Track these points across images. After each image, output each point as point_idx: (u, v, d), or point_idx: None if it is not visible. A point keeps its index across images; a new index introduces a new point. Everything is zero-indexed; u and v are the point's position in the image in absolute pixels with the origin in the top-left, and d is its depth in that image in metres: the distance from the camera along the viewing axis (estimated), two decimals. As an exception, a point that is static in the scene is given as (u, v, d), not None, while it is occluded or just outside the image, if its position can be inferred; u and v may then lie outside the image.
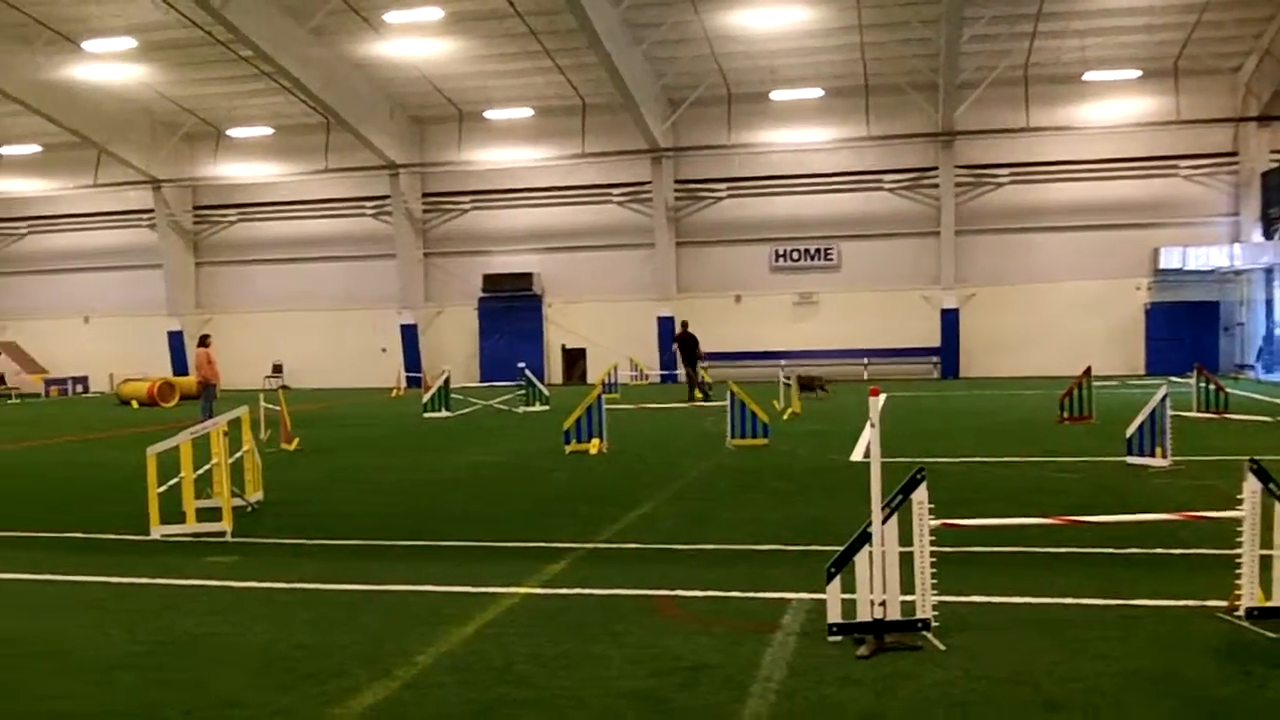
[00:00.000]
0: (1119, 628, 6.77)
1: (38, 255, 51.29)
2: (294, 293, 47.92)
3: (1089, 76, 39.62)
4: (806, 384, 28.57)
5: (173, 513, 10.87)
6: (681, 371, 33.77)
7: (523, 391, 29.24)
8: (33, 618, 7.72)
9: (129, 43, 36.58)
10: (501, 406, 29.68)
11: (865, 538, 6.43)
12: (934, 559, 6.52)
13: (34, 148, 47.35)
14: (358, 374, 46.42)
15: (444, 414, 27.07)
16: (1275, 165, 38.36)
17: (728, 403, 18.28)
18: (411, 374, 43.41)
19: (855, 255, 42.75)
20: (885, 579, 6.45)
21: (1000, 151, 41.30)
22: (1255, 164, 39.11)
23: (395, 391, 40.30)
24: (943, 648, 6.36)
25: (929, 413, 24.85)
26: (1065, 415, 21.23)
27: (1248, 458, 6.75)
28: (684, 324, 31.66)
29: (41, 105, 39.61)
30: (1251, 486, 6.58)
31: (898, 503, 6.42)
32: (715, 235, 43.86)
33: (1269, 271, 38.37)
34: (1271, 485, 6.57)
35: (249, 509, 12.05)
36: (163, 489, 10.91)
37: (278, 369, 47.73)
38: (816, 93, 41.17)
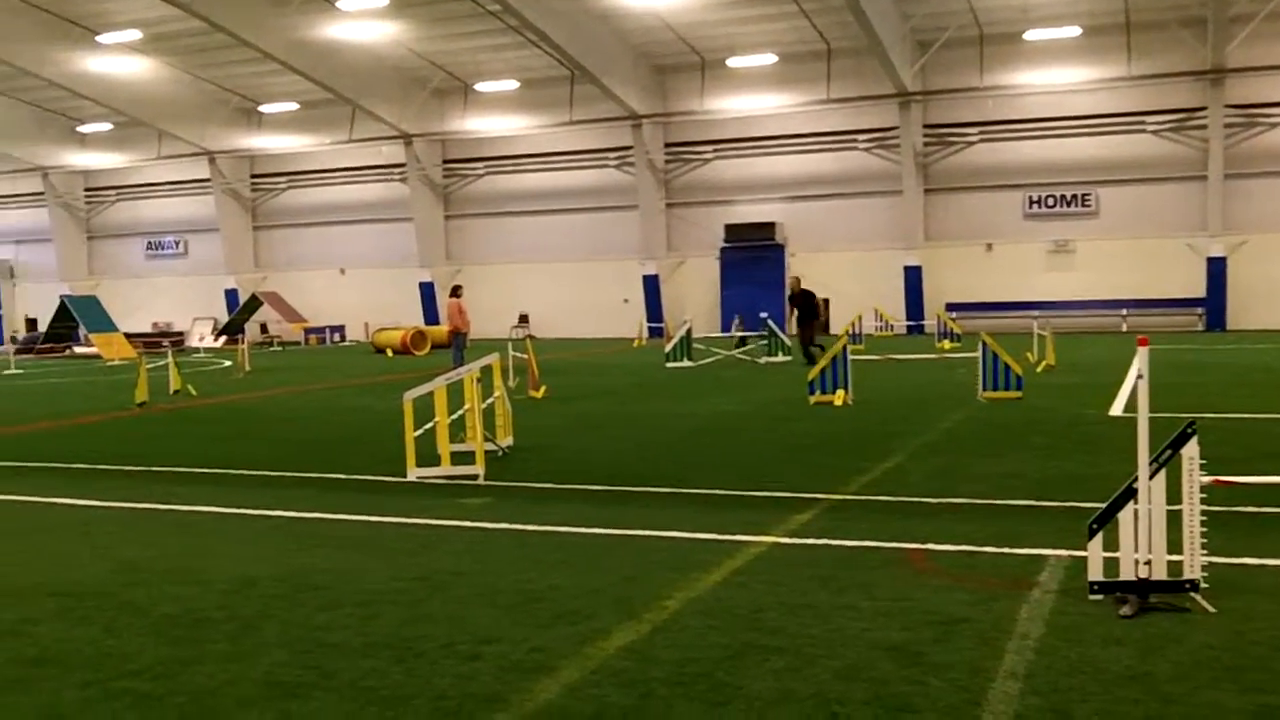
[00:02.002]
0: None
1: (297, 209, 53.94)
2: (539, 244, 48.99)
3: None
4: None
5: (428, 456, 11.26)
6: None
7: (764, 341, 29.18)
8: (300, 554, 8.11)
9: (382, 0, 37.82)
10: (743, 357, 29.70)
11: (1130, 493, 6.15)
12: (1204, 518, 6.19)
13: (292, 105, 49.61)
14: (600, 324, 47.21)
15: (686, 363, 27.26)
16: None
17: (979, 354, 17.80)
18: (653, 324, 43.87)
19: (1114, 201, 40.95)
20: (1151, 537, 6.17)
21: (1275, 89, 38.76)
22: None
23: (637, 342, 40.81)
24: (1212, 610, 6.04)
25: (1194, 366, 23.67)
26: (1345, 370, 19.94)
27: None
28: (797, 280, 28.33)
29: (299, 64, 41.43)
30: None
31: (1166, 458, 6.11)
32: (965, 181, 42.72)
33: None
34: None
35: (500, 453, 12.39)
36: (418, 433, 11.30)
37: (524, 319, 48.95)
38: (1074, 31, 39.39)
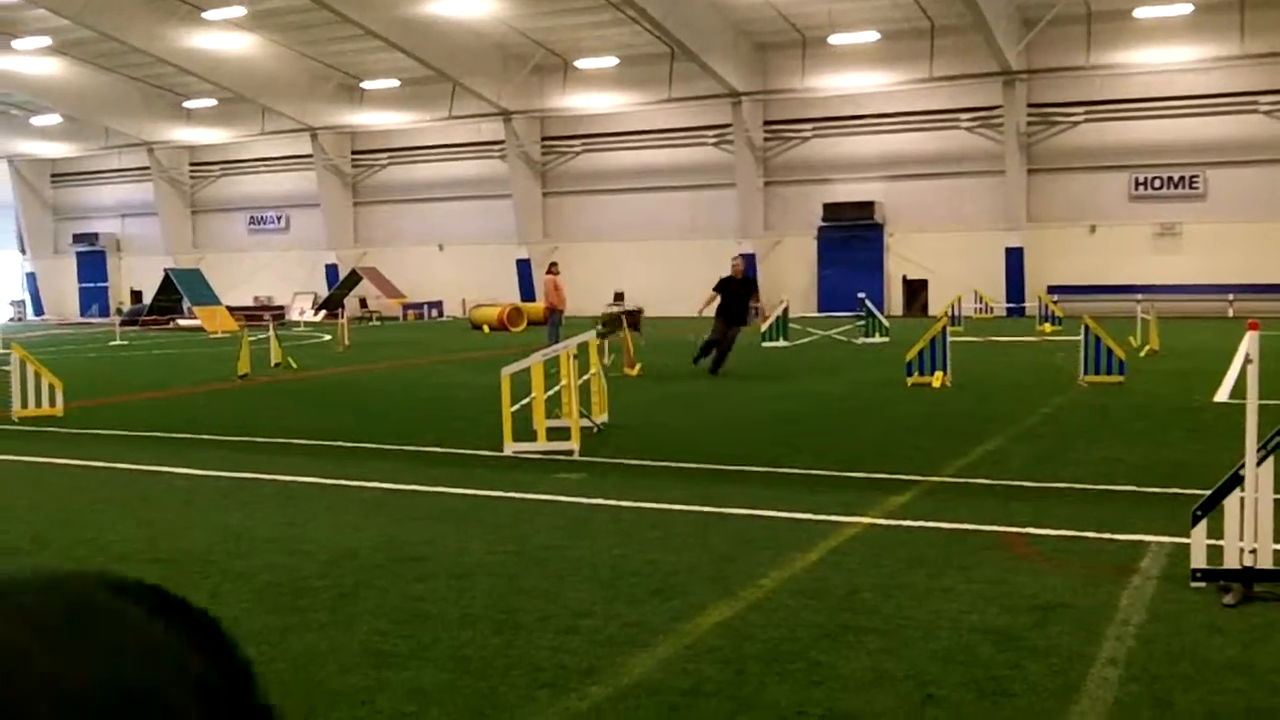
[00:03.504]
0: None
1: (397, 186, 54.50)
2: (636, 222, 49.00)
3: None
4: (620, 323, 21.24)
5: (524, 431, 11.38)
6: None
7: (862, 322, 28.94)
8: (398, 525, 8.26)
9: (483, -23, 38.03)
10: (840, 337, 29.52)
11: (1236, 480, 6.04)
12: (1315, 507, 6.07)
13: (393, 82, 50.06)
14: (696, 303, 46.99)
15: (782, 343, 27.18)
16: None
17: (1080, 337, 17.51)
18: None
19: (1223, 183, 39.90)
20: (1257, 525, 6.05)
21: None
22: None
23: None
24: (1321, 602, 5.93)
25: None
26: None
27: None
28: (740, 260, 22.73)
29: (400, 41, 41.74)
30: None
31: (1275, 445, 5.99)
32: (1069, 162, 41.89)
33: None
34: None
35: (595, 429, 12.47)
36: (515, 408, 11.42)
37: (620, 296, 49.06)
38: (1185, 8, 38.30)
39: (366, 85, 50.94)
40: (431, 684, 4.98)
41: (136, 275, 60.02)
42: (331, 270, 53.83)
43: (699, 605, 6.02)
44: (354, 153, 55.34)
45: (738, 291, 20.39)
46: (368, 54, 46.10)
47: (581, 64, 47.33)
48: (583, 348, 12.36)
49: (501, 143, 50.07)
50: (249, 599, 6.38)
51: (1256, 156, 39.22)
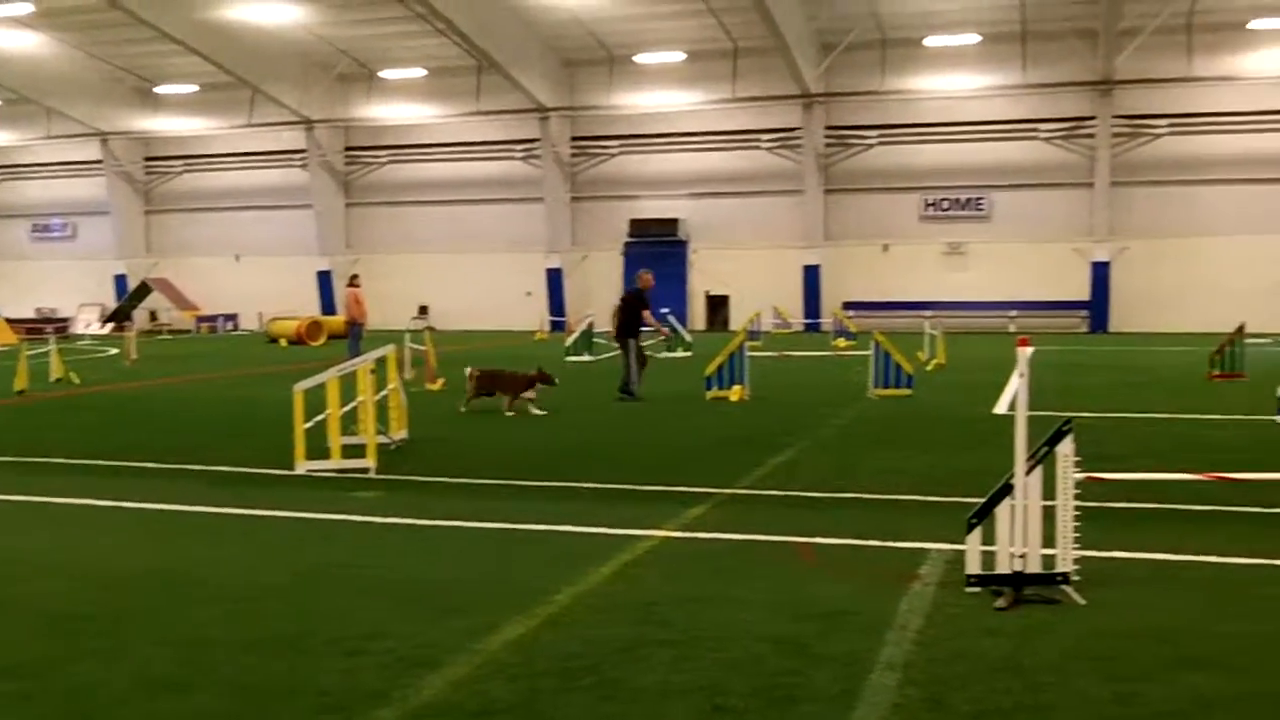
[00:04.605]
0: (1272, 587, 6.61)
1: (192, 194, 52.90)
2: (441, 235, 48.62)
3: (1255, 24, 37.83)
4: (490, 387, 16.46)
5: (318, 449, 11.16)
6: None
7: (665, 338, 29.20)
8: (183, 548, 8.03)
9: (286, -18, 37.24)
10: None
11: (1007, 489, 6.35)
12: (1077, 512, 6.41)
13: (191, 87, 48.64)
14: (503, 317, 46.98)
15: (587, 358, 27.28)
16: None
17: (871, 352, 18.11)
18: (555, 318, 43.84)
19: (1007, 205, 41.81)
20: (1026, 531, 6.37)
21: (1160, 101, 39.86)
22: None
23: (539, 335, 40.73)
24: (1083, 602, 6.28)
25: (1076, 367, 24.26)
26: (1216, 372, 20.54)
27: None
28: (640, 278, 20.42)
29: (198, 45, 40.50)
30: None
31: (1042, 455, 6.32)
32: (864, 183, 43.27)
33: None
34: None
35: (393, 446, 12.32)
36: (309, 425, 11.16)
37: (424, 310, 48.59)
38: (973, 38, 40.12)
39: (162, 89, 49.34)
40: (211, 712, 4.85)
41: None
42: (121, 281, 51.90)
43: (492, 623, 6.01)
44: (147, 159, 53.45)
45: (630, 305, 19.40)
46: (164, 57, 44.61)
47: (387, 74, 46.80)
48: (381, 362, 12.19)
49: (303, 151, 49.09)
50: (18, 628, 6.12)
51: (1037, 180, 41.27)
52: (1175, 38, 38.55)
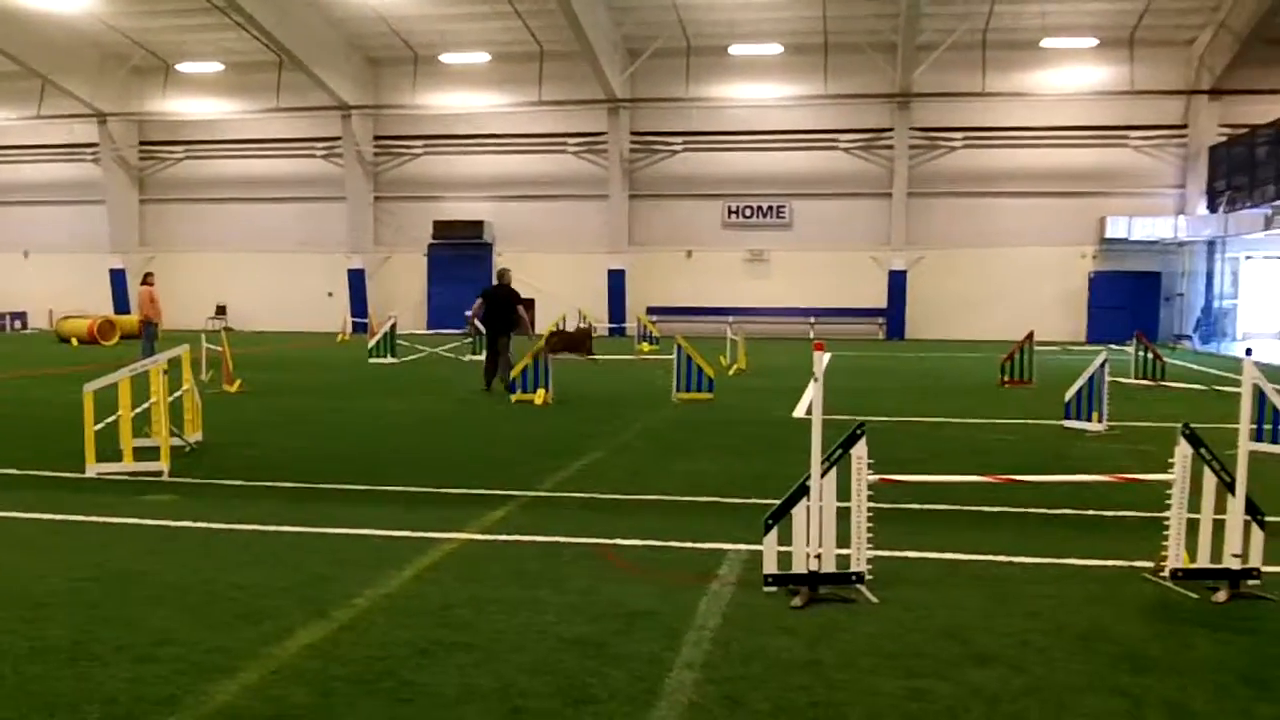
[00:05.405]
0: (1051, 585, 6.90)
1: (-23, 188, 50.39)
2: (241, 233, 47.39)
3: (1047, 43, 39.74)
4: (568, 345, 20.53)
5: (110, 451, 10.78)
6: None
7: (470, 340, 29.12)
8: (-35, 551, 7.64)
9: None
10: (448, 355, 29.57)
11: (803, 491, 6.49)
12: (870, 514, 6.60)
13: (-26, 77, 46.40)
14: (303, 318, 46.06)
15: (389, 360, 26.94)
16: (1223, 139, 38.67)
17: (674, 357, 18.34)
18: (358, 319, 43.14)
19: (807, 214, 42.83)
20: (821, 532, 6.53)
21: (956, 115, 41.43)
22: (1204, 137, 39.49)
23: (340, 337, 40.04)
24: (876, 600, 6.46)
25: (873, 372, 25.00)
26: (1006, 379, 21.44)
27: (1180, 424, 6.85)
28: (501, 273, 20.68)
29: (-18, 32, 38.74)
30: (1183, 451, 6.69)
31: (837, 457, 6.48)
32: (669, 189, 43.76)
33: (1210, 244, 38.85)
34: (1202, 450, 6.68)
35: (187, 449, 11.97)
36: (99, 427, 10.79)
37: (221, 310, 47.29)
38: (776, 49, 41.02)
39: (-60, 79, 46.84)
40: (-10, 723, 4.64)
41: None
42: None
43: (288, 628, 5.88)
44: (-77, 150, 50.68)
45: (500, 298, 19.71)
46: (-56, 44, 42.35)
47: (184, 67, 45.39)
48: (175, 362, 11.81)
49: (95, 145, 47.21)
50: None
51: (837, 190, 42.41)
52: (971, 54, 40.16)
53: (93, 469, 10.59)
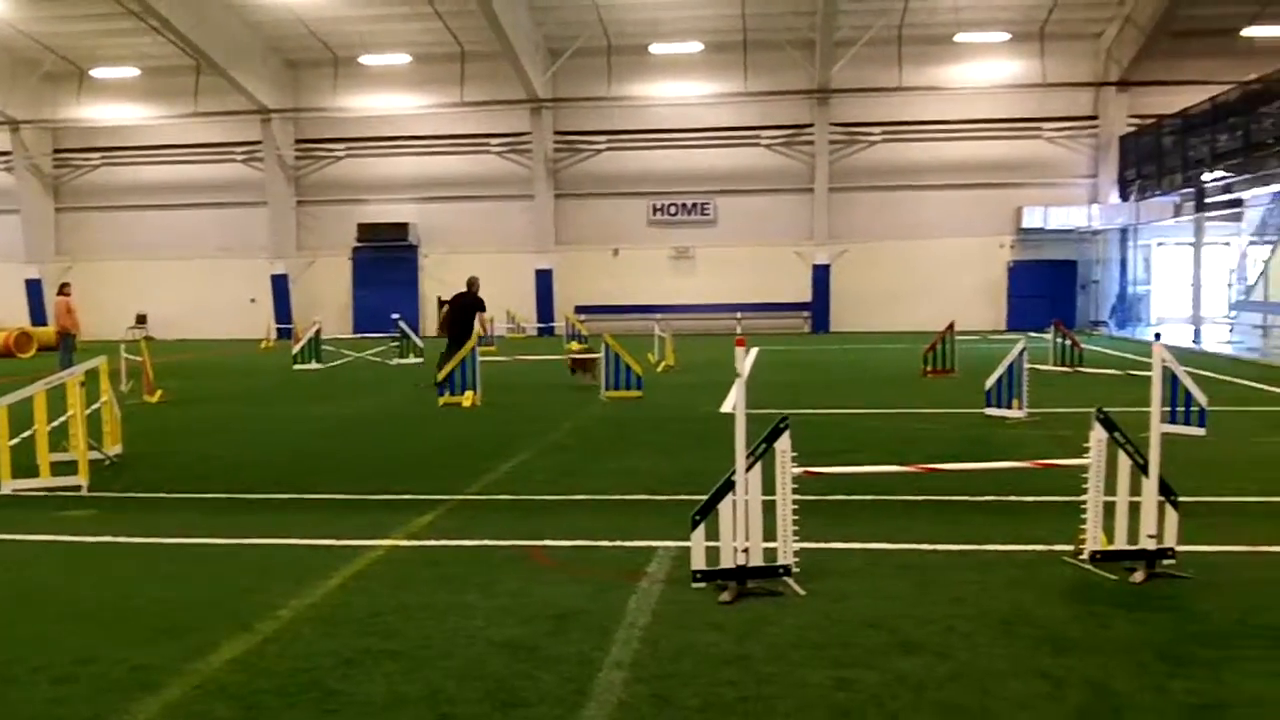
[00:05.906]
0: (974, 571, 7.00)
1: (-118, 196, 49.19)
2: (160, 240, 46.64)
3: (960, 38, 40.16)
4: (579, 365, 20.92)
5: (25, 467, 10.57)
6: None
7: (396, 344, 28.93)
8: (-123, 573, 7.47)
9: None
10: (374, 359, 29.36)
11: (729, 486, 6.52)
12: (796, 507, 6.64)
13: (-121, 85, 45.27)
14: (226, 325, 45.45)
15: (315, 365, 26.68)
16: (1132, 129, 39.38)
17: (602, 355, 18.35)
18: (282, 325, 42.67)
19: (731, 210, 42.99)
20: (748, 526, 6.56)
21: (874, 110, 41.76)
22: (1114, 128, 40.18)
23: (264, 343, 39.56)
24: (803, 593, 6.51)
25: (798, 366, 25.17)
26: (928, 369, 21.65)
27: (1095, 408, 6.97)
28: (470, 282, 21.66)
29: (-113, 37, 37.79)
30: (1097, 435, 6.81)
31: (761, 451, 6.52)
32: (594, 188, 43.71)
33: (1123, 232, 39.53)
34: (1116, 434, 6.80)
35: (107, 462, 11.76)
36: (14, 442, 10.59)
37: (141, 319, 46.54)
38: (696, 47, 41.11)
39: None
40: (-97, 749, 4.54)
41: None
42: None
43: (212, 642, 5.81)
44: None
45: (467, 305, 20.48)
46: None
47: (98, 73, 44.57)
48: (92, 374, 11.60)
49: (7, 153, 46.25)
50: None
51: (759, 186, 42.60)
52: (887, 49, 40.49)
53: (8, 485, 10.38)
